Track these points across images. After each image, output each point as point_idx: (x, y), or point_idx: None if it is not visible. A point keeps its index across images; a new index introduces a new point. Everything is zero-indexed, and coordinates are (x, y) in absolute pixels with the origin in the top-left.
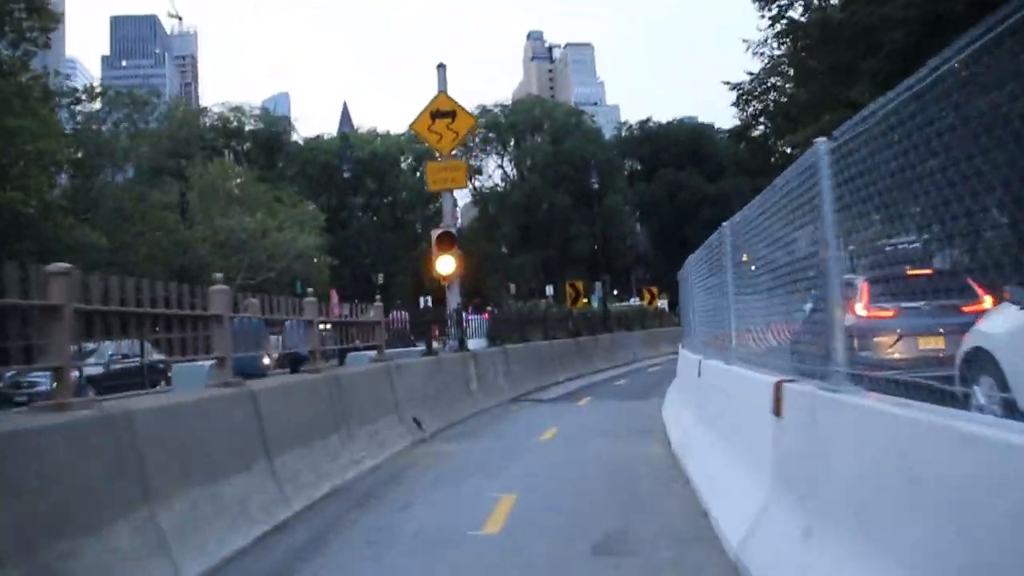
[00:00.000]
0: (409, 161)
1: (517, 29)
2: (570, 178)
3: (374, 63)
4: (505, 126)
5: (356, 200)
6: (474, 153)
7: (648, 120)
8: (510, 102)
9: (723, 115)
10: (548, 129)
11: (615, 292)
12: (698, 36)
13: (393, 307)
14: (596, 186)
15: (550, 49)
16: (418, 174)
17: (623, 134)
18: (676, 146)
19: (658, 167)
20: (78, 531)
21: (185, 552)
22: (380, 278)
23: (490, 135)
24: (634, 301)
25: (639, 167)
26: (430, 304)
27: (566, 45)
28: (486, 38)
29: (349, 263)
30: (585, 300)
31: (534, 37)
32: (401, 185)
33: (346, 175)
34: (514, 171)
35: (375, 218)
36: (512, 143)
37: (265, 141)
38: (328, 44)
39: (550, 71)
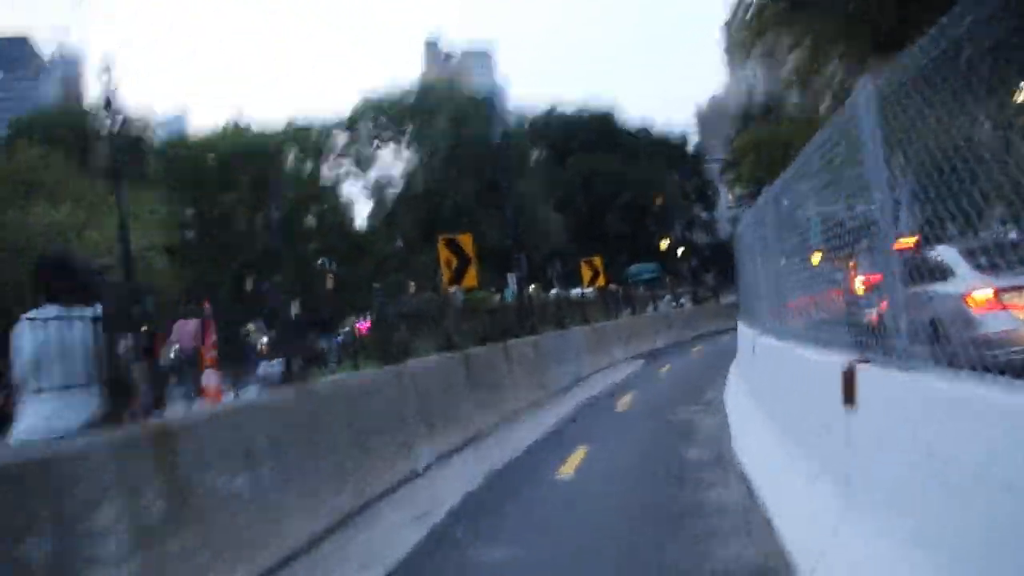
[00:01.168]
0: (296, 154)
1: (415, 34)
2: (475, 166)
3: (274, 63)
4: (400, 111)
5: (228, 198)
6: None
7: (554, 109)
8: (404, 89)
9: (634, 104)
10: (449, 114)
11: (531, 287)
12: (601, 25)
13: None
14: (500, 170)
15: (447, 56)
16: (309, 166)
17: (527, 125)
18: (586, 131)
19: (569, 153)
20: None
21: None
22: (250, 283)
23: (383, 120)
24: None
25: (549, 155)
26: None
27: (463, 53)
28: (383, 42)
29: (225, 266)
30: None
31: (431, 42)
32: (284, 180)
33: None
34: (414, 160)
35: (256, 217)
36: (409, 129)
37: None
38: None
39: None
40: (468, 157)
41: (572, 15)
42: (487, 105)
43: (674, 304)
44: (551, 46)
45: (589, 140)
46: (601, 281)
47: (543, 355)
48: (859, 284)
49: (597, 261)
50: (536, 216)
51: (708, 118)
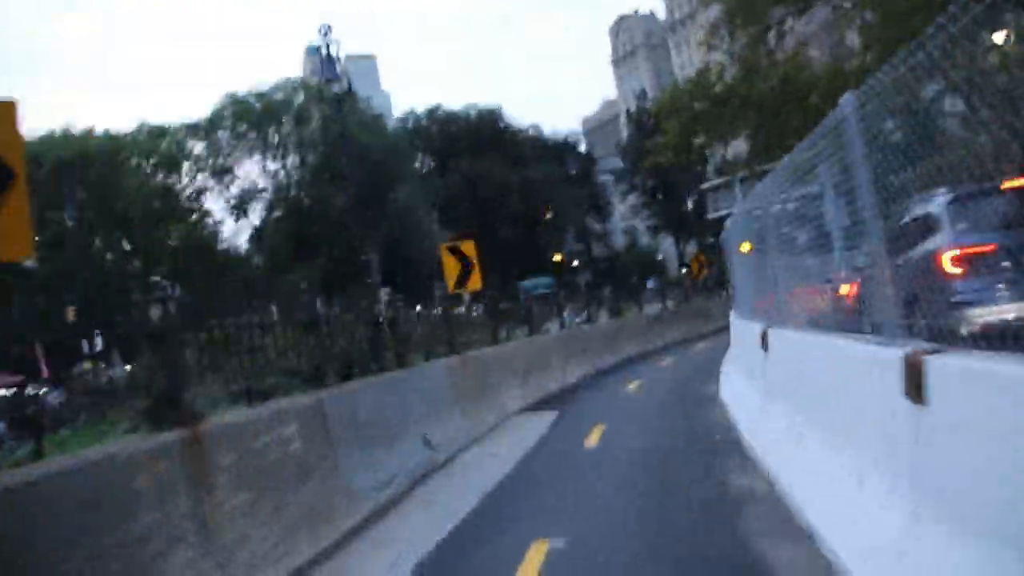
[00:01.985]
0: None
1: (296, 42)
2: (349, 175)
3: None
4: (260, 116)
5: (61, 215)
6: (225, 152)
7: (437, 108)
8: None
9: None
10: (318, 117)
11: (418, 308)
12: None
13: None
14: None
15: (330, 60)
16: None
17: (410, 125)
18: (472, 132)
19: (454, 156)
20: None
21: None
22: (72, 312)
23: (244, 128)
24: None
25: (433, 163)
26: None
27: (346, 57)
28: (263, 50)
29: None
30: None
31: (312, 50)
32: (129, 195)
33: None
34: (279, 171)
35: (95, 240)
36: (273, 136)
37: None
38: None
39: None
40: (344, 165)
41: (454, 29)
42: (365, 108)
43: (582, 320)
44: (434, 61)
45: (475, 142)
46: (476, 282)
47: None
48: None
49: (467, 247)
50: (420, 227)
51: (596, 129)
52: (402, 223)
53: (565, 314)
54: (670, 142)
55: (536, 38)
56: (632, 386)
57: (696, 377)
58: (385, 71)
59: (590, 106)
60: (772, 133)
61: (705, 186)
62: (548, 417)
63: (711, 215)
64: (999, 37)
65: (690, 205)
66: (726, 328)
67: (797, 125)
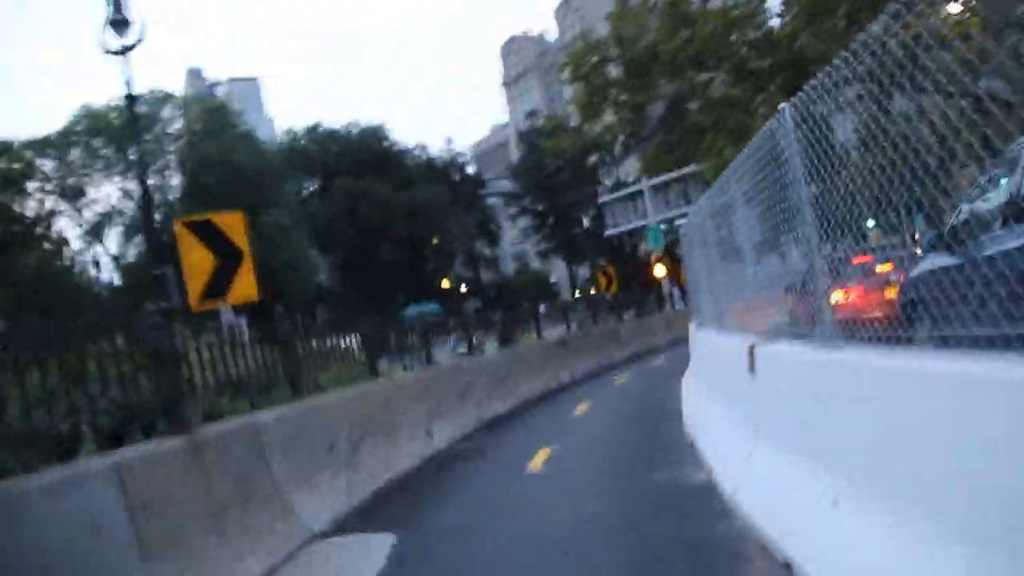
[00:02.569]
0: None
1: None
2: (217, 193)
3: None
4: (119, 130)
5: None
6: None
7: (317, 126)
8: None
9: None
10: (182, 131)
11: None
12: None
13: None
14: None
15: (212, 86)
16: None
17: (288, 144)
18: (355, 151)
19: (335, 176)
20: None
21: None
22: None
23: (96, 145)
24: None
25: (312, 186)
26: None
27: (229, 80)
28: (143, 75)
29: None
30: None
31: (194, 73)
32: None
33: None
34: (137, 191)
35: None
36: (132, 153)
37: None
38: None
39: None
40: (206, 181)
41: (345, 53)
42: (230, 122)
43: (464, 349)
44: (320, 86)
45: (357, 162)
46: (249, 287)
47: None
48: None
49: (229, 222)
50: (296, 254)
51: (486, 154)
52: (276, 247)
53: (451, 341)
54: (581, 101)
55: (426, 61)
56: (537, 461)
57: (641, 432)
58: (281, 96)
59: (480, 131)
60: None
61: (605, 199)
62: (376, 556)
63: (611, 231)
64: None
65: (586, 223)
66: (649, 353)
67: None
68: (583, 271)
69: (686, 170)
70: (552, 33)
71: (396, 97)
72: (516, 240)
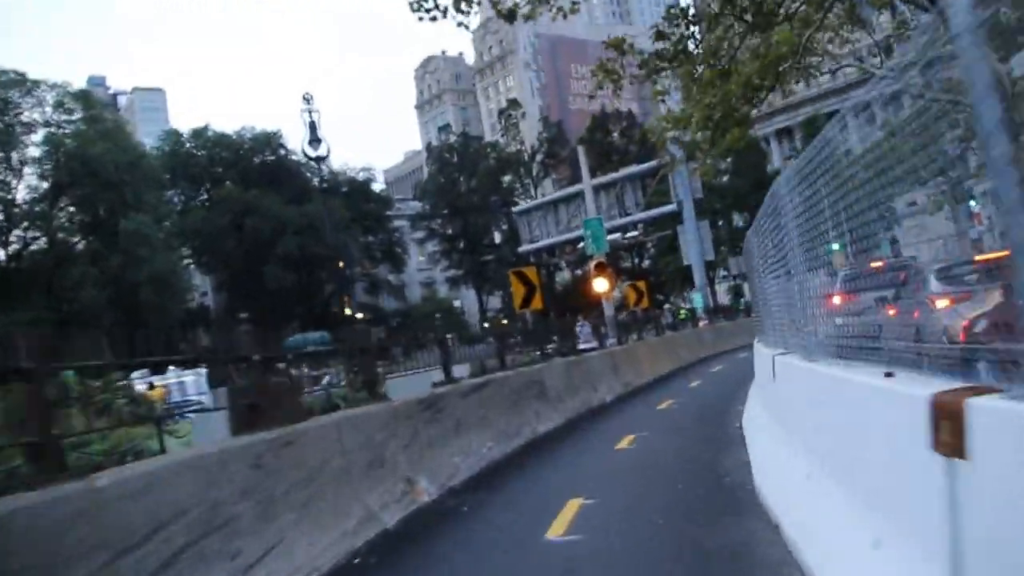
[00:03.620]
0: None
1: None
2: (80, 197)
3: None
4: None
5: None
6: None
7: (205, 129)
8: None
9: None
10: (39, 121)
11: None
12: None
13: None
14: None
15: (115, 96)
16: None
17: (168, 146)
18: (246, 160)
19: (219, 184)
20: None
21: None
22: None
23: None
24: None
25: (195, 194)
26: None
27: (134, 90)
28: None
29: None
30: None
31: (95, 82)
32: None
33: None
34: None
35: None
36: None
37: None
38: None
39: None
40: (64, 182)
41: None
42: (99, 115)
43: (340, 381)
44: (234, 108)
45: (248, 171)
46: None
47: None
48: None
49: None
50: (165, 268)
51: (399, 180)
52: (133, 258)
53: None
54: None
55: (340, 84)
56: None
57: None
58: (193, 110)
59: (393, 157)
60: None
61: (522, 207)
62: None
63: (527, 247)
64: None
65: (497, 238)
66: (591, 417)
67: None
68: (494, 300)
69: (632, 169)
70: (469, 56)
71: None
72: (424, 266)
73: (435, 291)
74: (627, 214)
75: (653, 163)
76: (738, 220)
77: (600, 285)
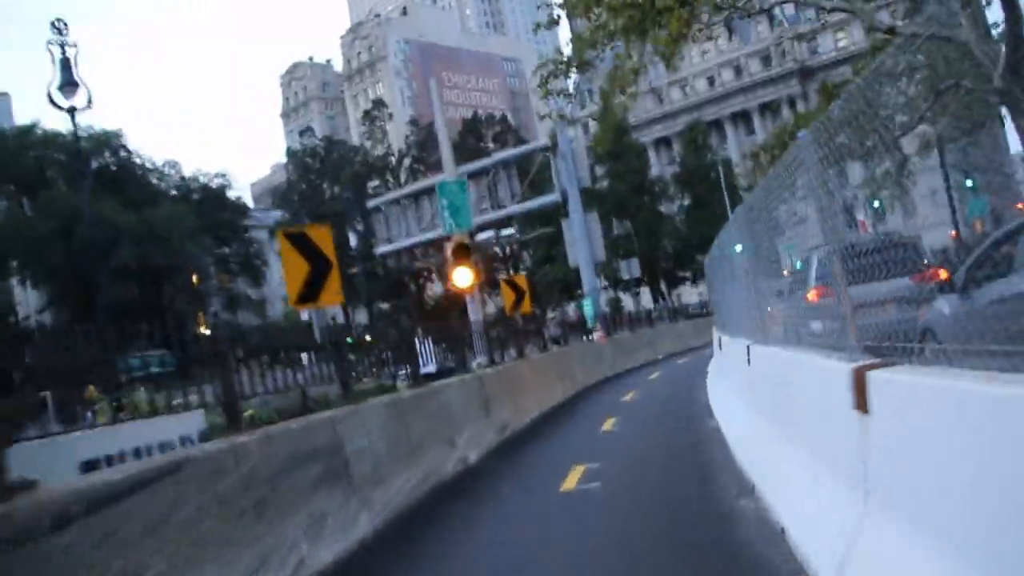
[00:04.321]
0: None
1: None
2: None
3: None
4: None
5: None
6: None
7: (34, 126)
8: None
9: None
10: None
11: None
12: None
13: None
14: None
15: None
16: None
17: None
18: (78, 160)
19: (46, 187)
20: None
21: None
22: None
23: None
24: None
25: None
26: None
27: None
28: None
29: None
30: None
31: None
32: None
33: None
34: None
35: None
36: None
37: None
38: None
39: None
40: None
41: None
42: None
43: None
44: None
45: (82, 173)
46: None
47: None
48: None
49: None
50: None
51: (265, 194)
52: None
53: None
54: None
55: (205, 93)
56: None
57: None
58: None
59: (260, 169)
60: None
61: (379, 201)
62: None
63: (384, 248)
64: None
65: (353, 242)
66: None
67: None
68: (361, 316)
69: (507, 153)
70: (338, 63)
71: (174, 130)
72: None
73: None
74: (500, 207)
75: (532, 145)
76: (619, 228)
77: (461, 277)
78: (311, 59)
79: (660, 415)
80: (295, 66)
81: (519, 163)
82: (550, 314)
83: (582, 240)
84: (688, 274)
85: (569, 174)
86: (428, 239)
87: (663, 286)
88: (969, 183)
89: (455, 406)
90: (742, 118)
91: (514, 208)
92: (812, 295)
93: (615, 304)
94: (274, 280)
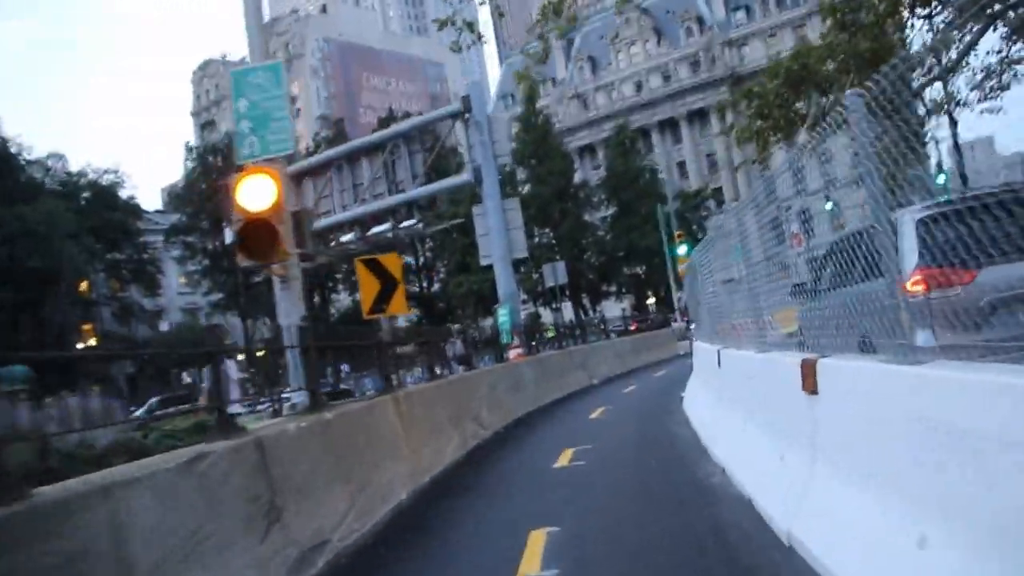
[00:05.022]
0: None
1: None
2: None
3: None
4: None
5: None
6: None
7: None
8: None
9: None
10: None
11: None
12: None
13: None
14: None
15: None
16: None
17: None
18: None
19: None
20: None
21: None
22: None
23: None
24: None
25: None
26: None
27: None
28: None
29: None
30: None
31: None
32: None
33: None
34: None
35: None
36: None
37: None
38: None
39: None
40: None
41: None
42: None
43: None
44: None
45: None
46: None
47: None
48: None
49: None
50: None
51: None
52: None
53: None
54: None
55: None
56: None
57: None
58: None
59: (175, 172)
60: None
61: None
62: None
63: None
64: None
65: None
66: None
67: None
68: (266, 330)
69: (408, 124)
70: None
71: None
72: (186, 289)
73: (197, 319)
74: (400, 191)
75: (440, 111)
76: (540, 236)
77: (250, 194)
78: (224, 56)
79: (634, 496)
80: (207, 63)
81: (425, 137)
82: (456, 328)
83: (498, 231)
84: (613, 288)
85: (485, 148)
86: (328, 224)
87: (586, 300)
88: None
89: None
90: (669, 126)
91: (416, 191)
92: (914, 282)
93: (535, 319)
94: (173, 289)
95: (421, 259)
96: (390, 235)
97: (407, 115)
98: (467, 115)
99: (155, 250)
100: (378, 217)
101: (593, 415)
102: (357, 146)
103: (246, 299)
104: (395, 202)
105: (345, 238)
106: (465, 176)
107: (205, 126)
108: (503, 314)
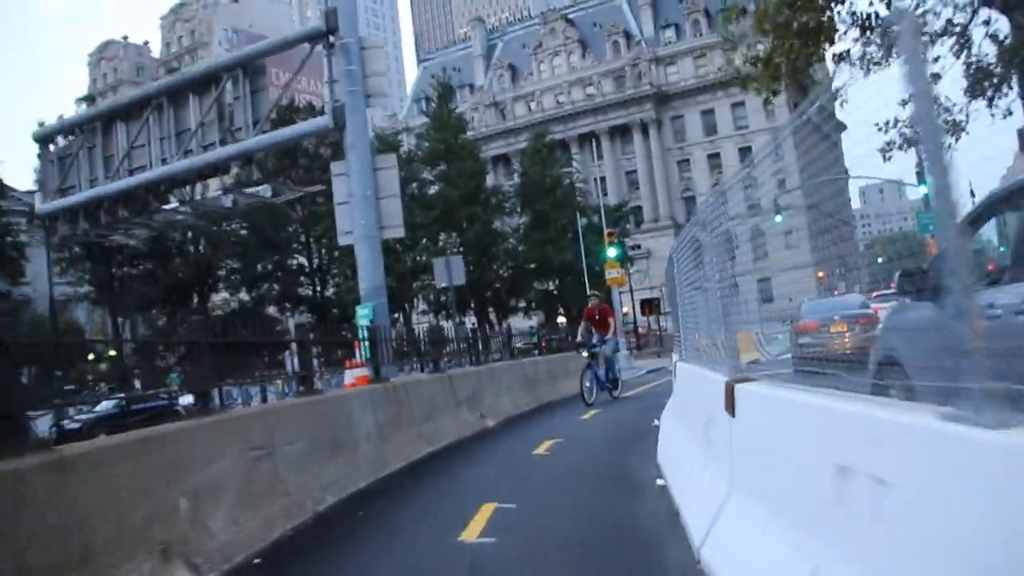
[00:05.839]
0: None
1: None
2: None
3: None
4: None
5: None
6: None
7: None
8: None
9: None
10: None
11: None
12: None
13: None
14: None
15: None
16: None
17: None
18: None
19: None
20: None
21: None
22: None
23: None
24: None
25: None
26: None
27: None
28: None
29: None
30: None
31: None
32: None
33: None
34: None
35: None
36: None
37: None
38: None
39: None
40: None
41: None
42: None
43: None
44: None
45: None
46: None
47: None
48: None
49: None
50: None
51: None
52: None
53: None
54: None
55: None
56: None
57: None
58: None
59: None
60: None
61: (47, 127)
62: None
63: (48, 205)
64: None
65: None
66: None
67: None
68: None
69: (241, 52)
70: (156, 46)
71: None
72: (62, 278)
73: (71, 311)
74: (235, 140)
75: (292, 33)
76: (446, 242)
77: None
78: (126, 39)
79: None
80: (106, 44)
81: (276, 70)
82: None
83: (363, 199)
84: (522, 304)
85: (353, 80)
86: (131, 185)
87: (492, 315)
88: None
89: None
90: (589, 140)
91: (257, 140)
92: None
93: (436, 332)
94: (39, 277)
95: (315, 261)
96: (228, 204)
97: (310, 105)
98: (331, 37)
99: (14, 232)
100: (206, 175)
101: (462, 535)
102: (180, 81)
103: (123, 293)
104: (227, 154)
105: (169, 206)
106: (323, 120)
107: (80, 101)
108: (363, 316)
